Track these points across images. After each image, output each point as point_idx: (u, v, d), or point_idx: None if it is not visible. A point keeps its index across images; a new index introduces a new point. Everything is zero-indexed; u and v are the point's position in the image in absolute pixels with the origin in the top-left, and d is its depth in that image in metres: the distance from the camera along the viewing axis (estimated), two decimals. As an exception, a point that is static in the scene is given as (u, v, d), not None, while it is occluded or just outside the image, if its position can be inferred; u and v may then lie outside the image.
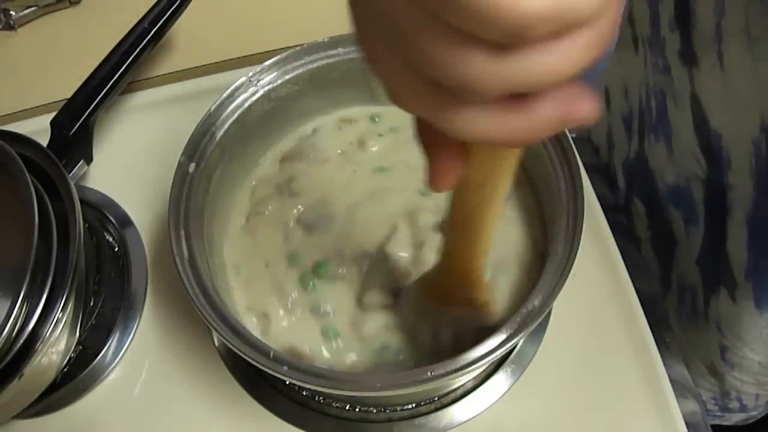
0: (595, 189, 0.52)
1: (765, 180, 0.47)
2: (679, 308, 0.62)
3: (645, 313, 0.47)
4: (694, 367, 0.62)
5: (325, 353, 0.42)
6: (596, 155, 0.73)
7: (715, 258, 0.56)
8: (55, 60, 0.63)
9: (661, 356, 0.46)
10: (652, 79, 0.57)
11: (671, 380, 0.45)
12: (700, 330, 0.60)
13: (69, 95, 0.50)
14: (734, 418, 0.65)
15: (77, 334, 0.46)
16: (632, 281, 0.48)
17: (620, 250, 0.49)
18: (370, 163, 0.49)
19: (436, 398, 0.45)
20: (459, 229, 0.33)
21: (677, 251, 0.62)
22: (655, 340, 0.46)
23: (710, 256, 0.57)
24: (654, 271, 0.66)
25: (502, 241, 0.44)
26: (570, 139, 0.42)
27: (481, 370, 0.45)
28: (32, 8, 0.65)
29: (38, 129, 0.50)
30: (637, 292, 0.48)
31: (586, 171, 0.49)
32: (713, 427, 0.53)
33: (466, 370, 0.35)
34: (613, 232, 0.50)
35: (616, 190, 0.71)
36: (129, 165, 0.56)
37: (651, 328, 0.46)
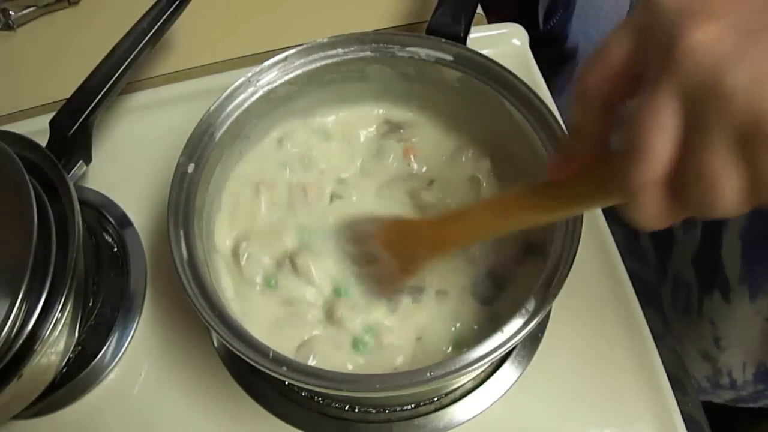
0: None
1: None
2: (674, 301, 0.63)
3: (642, 302, 0.47)
4: (687, 352, 0.63)
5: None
6: None
7: (710, 262, 0.57)
8: (54, 60, 0.63)
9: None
10: None
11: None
12: (694, 323, 0.61)
13: (68, 95, 0.50)
14: (725, 395, 0.66)
15: (76, 334, 0.46)
16: (632, 267, 0.48)
17: (619, 238, 0.49)
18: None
19: (436, 399, 0.45)
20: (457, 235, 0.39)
21: (674, 248, 0.62)
22: (653, 333, 0.46)
23: (705, 260, 0.58)
24: (651, 262, 0.67)
25: (502, 240, 0.44)
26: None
27: (480, 370, 0.45)
28: (31, 8, 0.65)
29: (37, 129, 0.50)
30: (636, 278, 0.48)
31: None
32: (706, 405, 0.53)
33: (466, 371, 0.35)
34: (612, 221, 0.50)
35: None
36: (128, 165, 0.56)
37: (647, 319, 0.47)
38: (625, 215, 0.28)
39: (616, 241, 0.49)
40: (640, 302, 0.47)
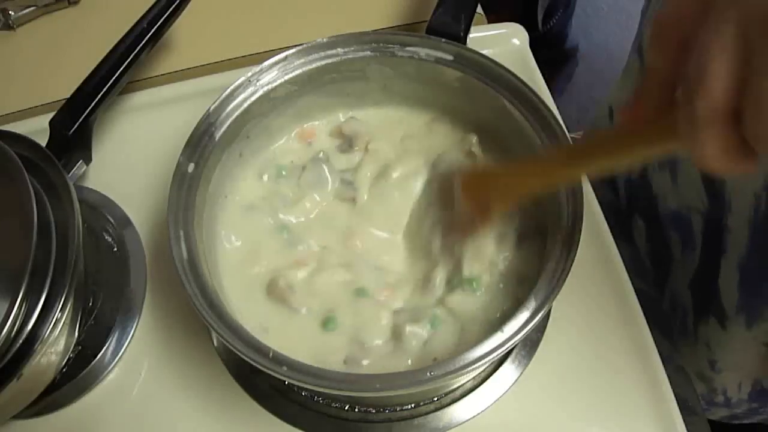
0: (595, 191, 0.52)
1: (761, 235, 0.48)
2: (670, 321, 0.63)
3: (644, 311, 0.47)
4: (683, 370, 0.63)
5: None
6: None
7: (707, 290, 0.56)
8: (54, 60, 0.63)
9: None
10: None
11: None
12: (690, 345, 0.60)
13: (68, 95, 0.50)
14: (719, 413, 0.66)
15: (76, 334, 0.46)
16: (632, 280, 0.48)
17: (620, 251, 0.49)
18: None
19: (436, 398, 0.45)
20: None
21: (673, 267, 0.62)
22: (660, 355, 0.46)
23: (702, 287, 0.58)
24: (651, 279, 0.66)
25: (501, 241, 0.44)
26: (569, 138, 0.42)
27: (480, 370, 0.45)
28: (31, 8, 0.65)
29: (37, 129, 0.50)
30: (637, 291, 0.48)
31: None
32: (712, 424, 0.53)
33: (466, 370, 0.35)
34: (613, 233, 0.50)
35: (617, 194, 0.71)
36: (128, 165, 0.56)
37: (650, 327, 0.47)
38: (693, 157, 0.27)
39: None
40: (648, 324, 0.47)
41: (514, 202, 0.43)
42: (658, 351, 0.46)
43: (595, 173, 0.42)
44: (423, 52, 0.46)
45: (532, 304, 0.37)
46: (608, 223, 0.50)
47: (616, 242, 0.49)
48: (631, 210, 0.68)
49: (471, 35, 0.50)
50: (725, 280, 0.53)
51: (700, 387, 0.63)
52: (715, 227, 0.53)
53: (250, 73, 0.46)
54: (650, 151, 0.34)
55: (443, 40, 0.46)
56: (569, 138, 0.42)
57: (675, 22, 0.29)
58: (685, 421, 0.44)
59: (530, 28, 0.60)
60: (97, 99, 0.50)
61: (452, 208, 0.44)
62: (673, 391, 0.44)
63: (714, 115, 0.25)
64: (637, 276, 0.48)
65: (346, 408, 0.45)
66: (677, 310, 0.62)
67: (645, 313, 0.47)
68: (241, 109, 0.45)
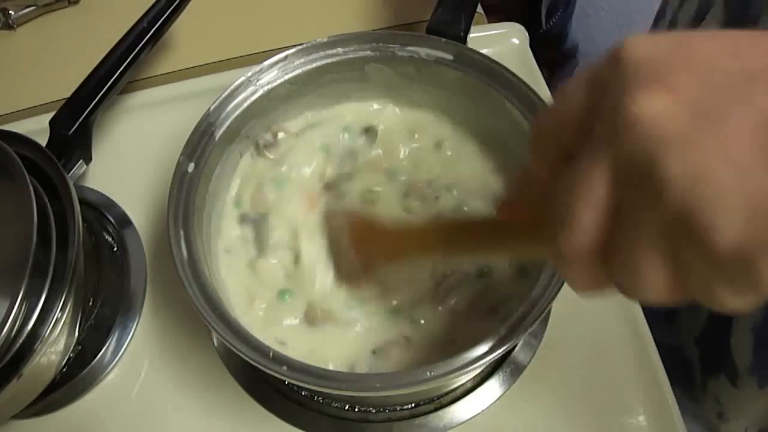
0: None
1: None
2: (672, 374, 0.62)
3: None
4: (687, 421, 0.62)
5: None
6: None
7: (716, 347, 0.54)
8: (54, 59, 0.63)
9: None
10: None
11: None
12: (697, 398, 0.59)
13: (68, 95, 0.50)
14: None
15: (76, 333, 0.46)
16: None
17: None
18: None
19: (436, 398, 0.45)
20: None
21: (678, 318, 0.60)
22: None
23: (711, 344, 0.56)
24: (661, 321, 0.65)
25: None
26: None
27: (480, 369, 0.45)
28: (31, 8, 0.65)
29: (37, 128, 0.50)
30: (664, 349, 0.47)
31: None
32: None
33: (466, 370, 0.35)
34: None
35: None
36: (128, 165, 0.56)
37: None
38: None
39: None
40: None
41: (397, 260, 0.42)
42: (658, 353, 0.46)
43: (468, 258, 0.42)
44: (423, 51, 0.46)
45: (532, 304, 0.37)
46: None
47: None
48: None
49: (471, 35, 0.50)
50: (738, 341, 0.51)
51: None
52: None
53: (250, 73, 0.46)
54: (528, 254, 0.34)
55: (443, 39, 0.46)
56: None
57: (556, 131, 0.26)
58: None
59: (535, 27, 0.60)
60: (97, 99, 0.50)
61: (338, 250, 0.44)
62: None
63: (576, 255, 0.24)
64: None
65: (347, 408, 0.45)
66: (683, 365, 0.60)
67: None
68: (241, 108, 0.45)
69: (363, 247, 0.42)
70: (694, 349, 0.58)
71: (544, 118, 0.26)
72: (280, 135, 0.48)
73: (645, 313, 0.47)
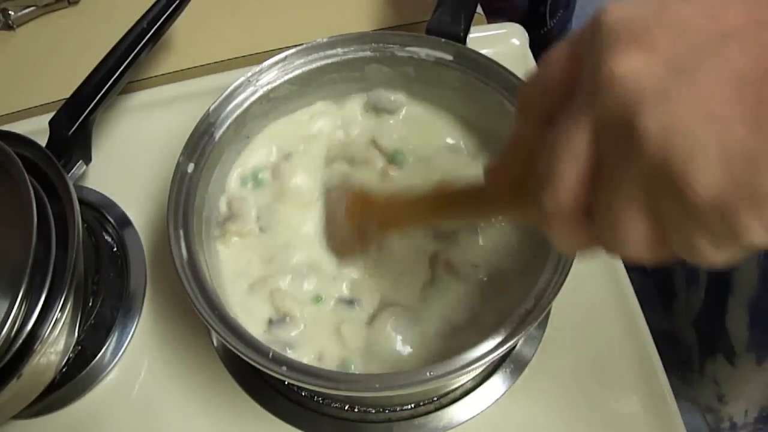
0: None
1: None
2: (672, 358, 0.62)
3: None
4: (686, 406, 0.62)
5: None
6: None
7: (714, 328, 0.55)
8: (54, 60, 0.63)
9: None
10: None
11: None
12: (695, 381, 0.60)
13: (68, 95, 0.50)
14: None
15: (76, 334, 0.46)
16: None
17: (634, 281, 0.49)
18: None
19: (436, 398, 0.45)
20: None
21: (675, 304, 0.60)
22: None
23: (708, 325, 0.56)
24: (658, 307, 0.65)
25: (501, 241, 0.44)
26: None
27: (480, 370, 0.45)
28: (31, 8, 0.65)
29: (37, 129, 0.50)
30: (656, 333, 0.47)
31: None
32: None
33: (466, 370, 0.35)
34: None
35: None
36: (128, 165, 0.56)
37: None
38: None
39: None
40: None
41: (392, 232, 0.43)
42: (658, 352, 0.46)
43: (464, 223, 0.43)
44: (423, 52, 0.46)
45: (531, 304, 0.37)
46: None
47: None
48: None
49: (471, 35, 0.50)
50: (733, 319, 0.52)
51: (708, 417, 0.62)
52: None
53: (250, 73, 0.46)
54: (516, 217, 0.35)
55: (443, 40, 0.46)
56: None
57: (540, 94, 0.27)
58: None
59: (537, 27, 0.60)
60: (97, 99, 0.50)
61: (334, 222, 0.45)
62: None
63: (560, 212, 0.24)
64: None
65: (346, 408, 0.45)
66: (681, 348, 0.60)
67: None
68: (241, 109, 0.45)
69: (359, 218, 0.43)
70: (691, 332, 0.59)
71: (529, 82, 0.27)
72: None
73: (643, 300, 0.48)
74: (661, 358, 0.45)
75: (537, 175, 0.25)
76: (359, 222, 0.43)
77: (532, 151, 0.26)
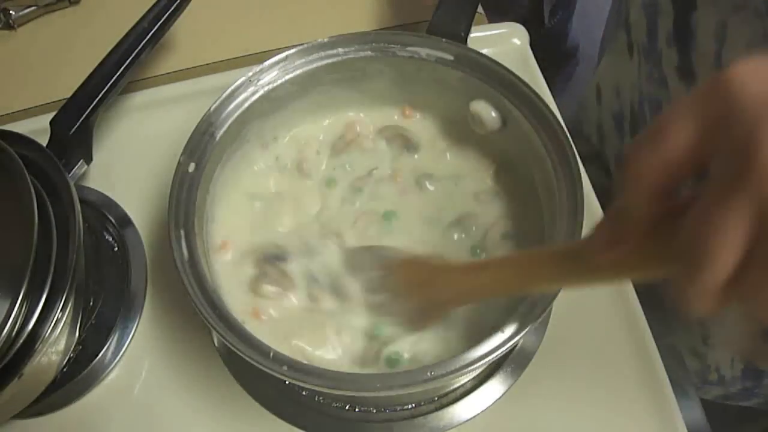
0: (590, 175, 0.52)
1: None
2: (663, 301, 0.63)
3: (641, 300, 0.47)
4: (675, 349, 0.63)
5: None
6: (588, 144, 0.72)
7: None
8: (55, 59, 0.63)
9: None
10: (645, 87, 0.57)
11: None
12: (684, 324, 0.60)
13: (69, 95, 0.50)
14: (714, 392, 0.66)
15: (77, 333, 0.46)
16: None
17: None
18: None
19: (436, 398, 0.45)
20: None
21: None
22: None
23: None
24: None
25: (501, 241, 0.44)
26: (570, 138, 0.42)
27: (480, 370, 0.45)
28: (32, 8, 0.65)
29: (38, 129, 0.50)
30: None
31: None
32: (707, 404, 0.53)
33: (466, 370, 0.35)
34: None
35: (610, 175, 0.70)
36: (129, 165, 0.56)
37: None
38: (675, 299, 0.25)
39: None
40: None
41: (465, 304, 0.40)
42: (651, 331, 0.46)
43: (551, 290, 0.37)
44: (424, 52, 0.46)
45: (532, 303, 0.37)
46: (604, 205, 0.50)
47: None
48: None
49: (471, 35, 0.50)
50: None
51: (693, 363, 0.63)
52: None
53: (250, 73, 0.46)
54: (621, 280, 0.33)
55: (444, 39, 0.46)
56: (569, 137, 0.42)
57: (660, 165, 0.25)
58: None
59: (537, 26, 0.60)
60: (97, 99, 0.50)
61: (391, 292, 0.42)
62: (668, 376, 0.45)
63: (711, 290, 0.24)
64: None
65: (347, 408, 0.45)
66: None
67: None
68: (242, 109, 0.45)
69: (424, 292, 0.40)
70: None
71: (644, 152, 0.25)
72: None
73: (643, 302, 0.48)
74: (643, 301, 0.45)
75: (680, 254, 0.24)
76: (425, 295, 0.40)
77: (643, 223, 0.26)
